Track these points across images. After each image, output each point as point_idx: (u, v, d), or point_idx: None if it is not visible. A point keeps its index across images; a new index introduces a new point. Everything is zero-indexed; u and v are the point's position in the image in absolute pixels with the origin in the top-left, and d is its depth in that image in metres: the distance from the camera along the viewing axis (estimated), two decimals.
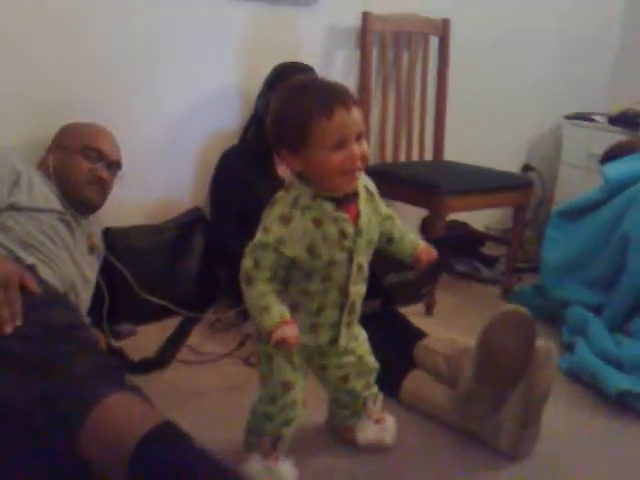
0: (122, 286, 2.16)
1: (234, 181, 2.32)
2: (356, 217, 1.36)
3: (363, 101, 2.69)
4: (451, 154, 2.94)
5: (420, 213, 2.86)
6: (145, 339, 2.16)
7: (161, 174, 2.43)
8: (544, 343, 1.64)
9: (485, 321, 1.64)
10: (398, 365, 1.91)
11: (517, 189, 2.65)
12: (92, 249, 2.06)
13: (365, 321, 1.61)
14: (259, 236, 1.32)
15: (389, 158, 2.82)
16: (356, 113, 1.27)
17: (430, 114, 2.92)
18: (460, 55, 2.92)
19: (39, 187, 1.88)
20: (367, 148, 1.31)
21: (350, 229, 1.35)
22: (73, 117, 2.09)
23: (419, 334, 1.98)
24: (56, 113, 2.10)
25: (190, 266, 2.35)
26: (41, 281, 1.66)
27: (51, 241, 1.83)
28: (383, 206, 1.48)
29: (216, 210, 2.43)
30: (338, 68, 2.73)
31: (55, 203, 1.90)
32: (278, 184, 2.15)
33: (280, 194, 1.35)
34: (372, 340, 1.66)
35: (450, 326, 2.35)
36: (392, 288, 2.04)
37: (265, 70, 2.35)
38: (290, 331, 1.29)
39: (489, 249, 3.08)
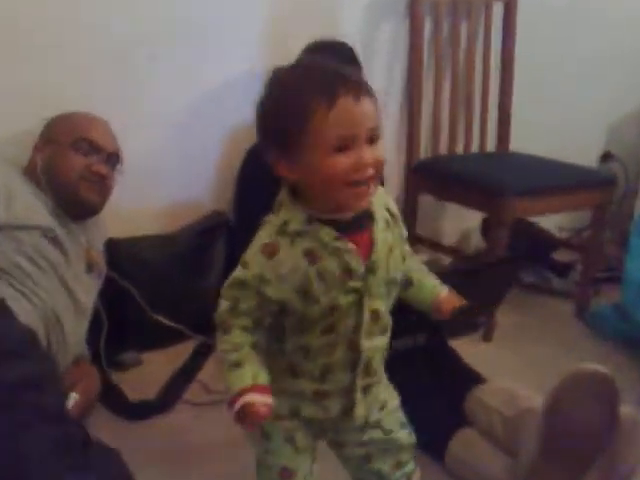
0: (127, 306, 1.90)
1: (263, 178, 2.00)
2: (369, 248, 1.04)
3: (413, 82, 2.36)
4: (518, 142, 2.56)
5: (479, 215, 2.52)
6: (151, 369, 1.91)
7: (175, 174, 2.14)
8: (629, 411, 1.31)
9: (555, 371, 1.33)
10: (445, 419, 1.60)
11: (597, 187, 2.26)
12: (90, 266, 1.79)
13: (407, 358, 1.36)
14: (236, 272, 1.03)
15: (443, 149, 2.46)
16: (368, 105, 0.96)
17: (493, 96, 2.55)
18: (529, 25, 2.52)
19: (22, 198, 1.62)
20: (382, 152, 0.99)
21: (358, 265, 1.02)
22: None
23: (473, 378, 1.66)
24: (47, 107, 1.81)
25: (209, 281, 2.05)
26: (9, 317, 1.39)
27: (33, 264, 1.57)
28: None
29: (241, 213, 2.13)
30: (383, 44, 2.40)
31: (40, 216, 1.63)
32: None
33: (268, 218, 1.05)
34: (415, 384, 1.42)
35: (512, 356, 2.05)
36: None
37: (298, 50, 2.01)
38: (260, 401, 1.00)
39: (561, 254, 2.69)
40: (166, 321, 1.93)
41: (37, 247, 1.59)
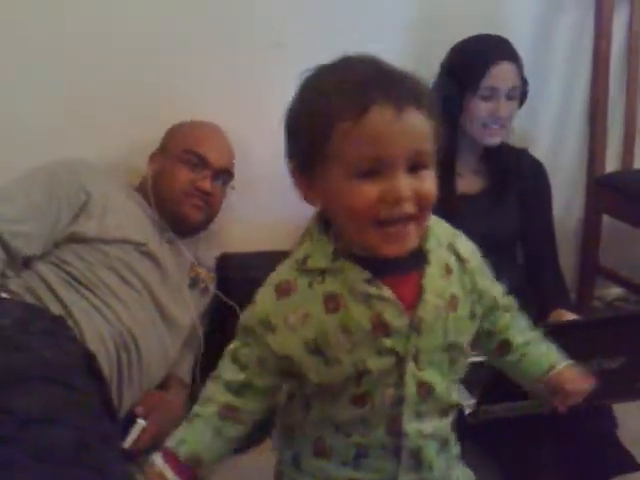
0: (231, 328, 1.76)
1: None
2: (415, 298, 0.81)
3: (598, 80, 1.97)
4: None
5: None
6: None
7: None
8: None
9: None
10: None
11: None
12: (195, 282, 1.73)
13: (519, 431, 1.22)
14: (244, 313, 0.88)
15: (638, 162, 2.07)
16: (416, 121, 0.75)
17: None
18: None
19: (118, 213, 1.59)
20: (431, 184, 0.78)
21: (396, 318, 0.80)
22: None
23: (623, 465, 1.34)
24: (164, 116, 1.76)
25: None
26: (65, 341, 1.34)
27: (119, 278, 1.54)
28: (491, 286, 0.92)
29: None
30: (561, 38, 2.05)
31: (132, 231, 1.59)
32: (455, 206, 1.66)
33: (293, 249, 0.87)
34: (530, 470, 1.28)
35: None
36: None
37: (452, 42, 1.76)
38: (159, 473, 0.86)
39: None
40: None
41: (126, 261, 1.56)
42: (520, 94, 1.72)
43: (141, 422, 1.47)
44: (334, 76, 0.78)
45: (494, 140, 1.72)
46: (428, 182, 0.77)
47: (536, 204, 1.85)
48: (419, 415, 0.84)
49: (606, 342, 1.33)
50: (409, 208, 0.75)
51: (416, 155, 0.75)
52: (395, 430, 0.84)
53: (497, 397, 1.26)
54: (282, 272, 0.85)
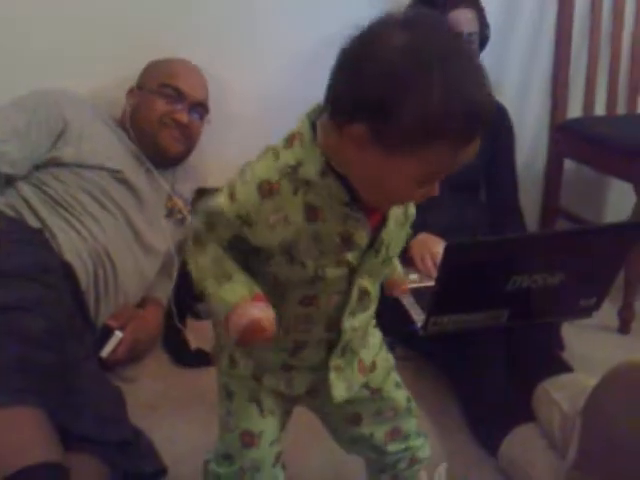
0: None
1: None
2: (380, 222, 0.91)
3: (563, 25, 2.06)
4: None
5: None
6: None
7: (282, 123, 2.07)
8: None
9: None
10: (507, 409, 1.43)
11: None
12: (171, 212, 1.84)
13: (481, 337, 1.37)
14: (219, 200, 0.85)
15: (599, 109, 2.14)
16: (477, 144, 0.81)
17: None
18: None
19: (95, 140, 1.70)
20: None
21: (362, 238, 0.89)
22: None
23: (557, 370, 1.45)
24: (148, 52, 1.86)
25: None
26: (43, 249, 1.47)
27: (95, 201, 1.65)
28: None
29: None
30: None
31: (108, 158, 1.69)
32: None
33: (278, 146, 0.86)
34: (485, 367, 1.45)
35: None
36: (525, 296, 1.47)
37: None
38: (265, 315, 0.84)
39: None
40: None
41: (103, 186, 1.66)
42: (480, 40, 1.82)
43: (118, 334, 1.58)
44: (441, 78, 0.73)
45: None
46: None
47: (498, 147, 1.95)
48: (353, 313, 0.95)
49: (546, 258, 1.42)
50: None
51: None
52: (333, 328, 0.95)
53: (445, 309, 1.37)
54: (265, 171, 0.85)
